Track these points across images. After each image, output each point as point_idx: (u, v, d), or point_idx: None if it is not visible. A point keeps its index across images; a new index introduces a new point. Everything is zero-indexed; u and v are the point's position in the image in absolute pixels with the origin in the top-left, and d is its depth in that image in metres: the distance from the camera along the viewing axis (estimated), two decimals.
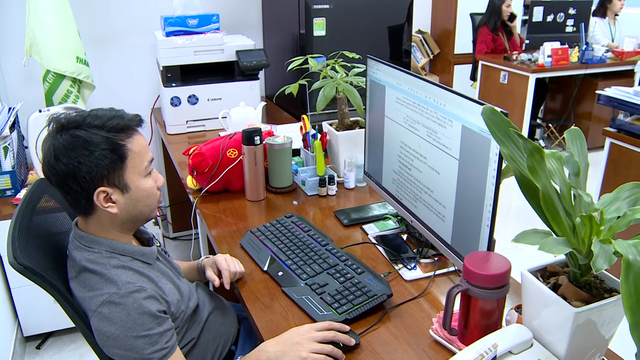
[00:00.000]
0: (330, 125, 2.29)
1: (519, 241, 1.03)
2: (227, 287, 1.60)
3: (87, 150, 1.28)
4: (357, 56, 2.29)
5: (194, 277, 1.75)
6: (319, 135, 2.25)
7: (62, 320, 2.53)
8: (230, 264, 1.63)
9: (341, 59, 2.30)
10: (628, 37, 5.40)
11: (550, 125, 5.69)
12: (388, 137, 1.80)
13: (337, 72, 2.24)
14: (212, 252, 2.17)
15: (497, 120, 1.08)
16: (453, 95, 1.39)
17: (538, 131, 5.74)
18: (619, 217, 1.14)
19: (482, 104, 1.19)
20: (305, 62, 2.29)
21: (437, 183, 1.53)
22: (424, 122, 1.54)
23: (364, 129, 2.02)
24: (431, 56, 6.75)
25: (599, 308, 1.10)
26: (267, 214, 2.05)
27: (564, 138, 4.79)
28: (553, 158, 1.11)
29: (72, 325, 1.45)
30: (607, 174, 3.19)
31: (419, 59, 6.69)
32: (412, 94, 1.59)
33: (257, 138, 2.05)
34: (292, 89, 2.29)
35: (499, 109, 1.13)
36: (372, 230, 1.88)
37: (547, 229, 1.11)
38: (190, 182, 2.21)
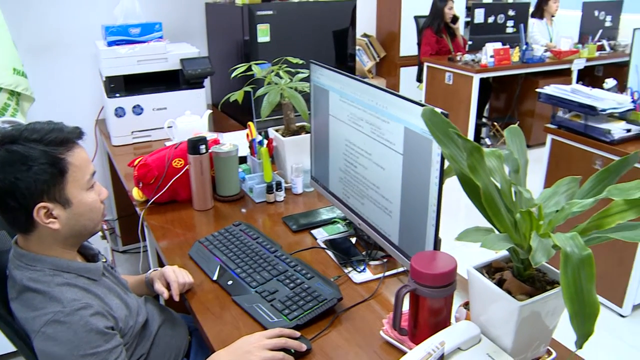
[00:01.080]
0: (277, 131, 2.29)
1: (461, 239, 1.05)
2: (176, 299, 1.58)
3: (25, 165, 1.24)
4: (301, 61, 2.30)
5: (143, 291, 1.72)
6: (265, 142, 2.25)
7: (1, 344, 2.45)
8: (178, 276, 1.61)
9: (285, 65, 2.30)
10: (564, 37, 5.57)
11: (495, 123, 5.82)
12: (333, 136, 1.80)
13: (281, 78, 2.24)
14: (161, 264, 2.14)
15: (437, 121, 1.09)
16: (395, 98, 1.41)
17: (484, 130, 5.86)
18: (557, 211, 1.17)
19: (422, 106, 1.21)
20: (250, 68, 2.29)
21: (383, 179, 1.54)
22: (368, 119, 1.56)
23: (310, 134, 2.03)
24: (377, 59, 6.81)
25: (542, 300, 1.13)
26: (215, 223, 2.03)
27: None
28: (493, 156, 1.13)
29: (12, 349, 1.40)
30: (549, 169, 3.28)
31: (365, 62, 6.75)
32: (355, 97, 1.61)
33: (202, 147, 2.03)
34: (237, 96, 2.28)
35: (439, 110, 1.15)
36: (321, 234, 1.88)
37: (490, 226, 1.13)
38: (136, 193, 2.17)
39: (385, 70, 6.90)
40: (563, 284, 0.96)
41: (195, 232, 1.96)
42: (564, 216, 1.14)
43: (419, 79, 5.70)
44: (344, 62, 3.74)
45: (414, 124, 1.33)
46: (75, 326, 1.23)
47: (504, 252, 1.23)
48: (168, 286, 1.61)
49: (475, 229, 1.07)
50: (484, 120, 6.02)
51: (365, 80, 1.57)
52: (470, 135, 4.97)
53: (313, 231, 1.91)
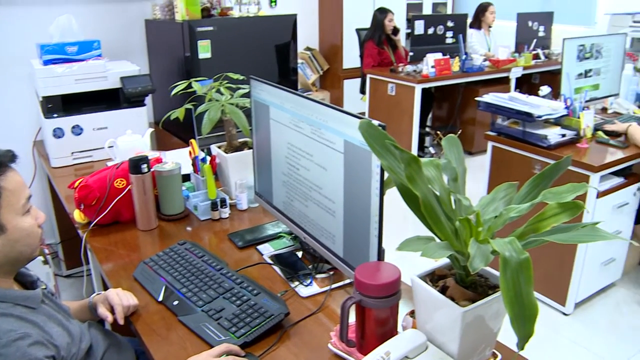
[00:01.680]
0: (219, 147, 2.28)
1: (402, 249, 1.06)
2: (121, 322, 1.54)
3: None
4: (242, 77, 2.29)
5: (86, 316, 1.67)
6: (208, 159, 2.23)
7: None
8: (122, 298, 1.57)
9: (226, 81, 2.29)
10: (502, 47, 5.73)
11: (438, 132, 5.91)
12: (275, 140, 1.80)
13: (222, 94, 2.23)
14: (106, 287, 2.09)
15: (374, 133, 1.11)
16: (333, 111, 1.42)
17: (427, 139, 5.96)
18: (496, 216, 1.19)
19: (360, 118, 1.22)
20: (190, 85, 2.27)
21: (325, 179, 1.54)
22: (308, 121, 1.56)
23: (252, 150, 2.02)
24: (321, 72, 6.87)
25: (484, 305, 1.15)
26: (160, 242, 2.00)
27: None
28: (431, 166, 1.15)
29: None
30: (491, 176, 3.35)
31: (309, 75, 6.79)
32: (295, 112, 1.61)
33: (144, 166, 2.00)
34: (178, 113, 2.25)
35: (376, 122, 1.17)
36: (267, 250, 1.88)
37: (431, 234, 1.15)
38: (78, 216, 2.12)
39: (329, 82, 6.96)
40: (503, 288, 0.98)
41: (139, 253, 1.93)
42: (502, 221, 1.17)
43: (363, 91, 5.76)
44: (287, 76, 3.76)
45: (353, 137, 1.35)
46: (12, 358, 1.19)
47: (446, 260, 1.26)
48: (112, 310, 1.57)
49: (416, 238, 1.09)
50: (427, 129, 6.12)
51: (304, 94, 1.58)
52: (414, 145, 5.05)
53: (259, 247, 1.90)
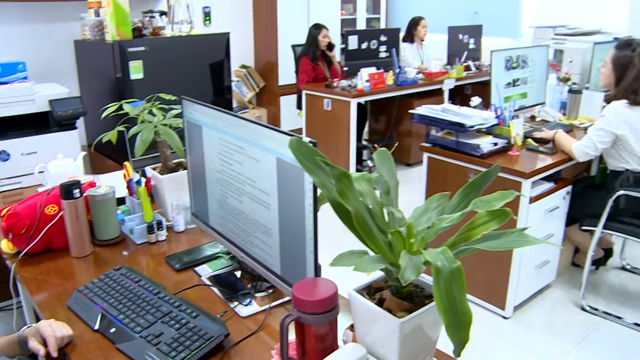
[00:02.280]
0: (154, 169, 2.24)
1: (335, 264, 1.07)
2: (54, 354, 1.49)
3: None
4: (174, 98, 2.27)
5: (16, 351, 1.59)
6: (143, 181, 2.19)
7: None
8: (55, 329, 1.52)
9: (159, 102, 2.26)
10: (434, 60, 5.86)
11: (376, 145, 5.98)
12: (209, 162, 1.78)
13: (154, 115, 2.20)
14: (38, 319, 2.02)
15: (304, 150, 1.11)
16: (265, 129, 1.42)
17: (365, 152, 6.02)
18: (429, 227, 1.22)
19: (291, 136, 1.23)
20: (122, 107, 2.23)
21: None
22: (240, 139, 1.56)
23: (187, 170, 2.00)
24: (257, 89, 6.87)
25: (421, 315, 1.17)
26: (95, 269, 1.95)
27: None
28: (363, 180, 1.17)
29: None
30: (428, 186, 3.41)
31: (245, 93, 6.78)
32: (227, 131, 1.61)
33: (76, 191, 1.95)
34: (110, 136, 2.21)
35: (306, 139, 1.17)
36: (205, 271, 1.86)
37: (365, 248, 1.16)
38: (5, 245, 2.05)
39: (266, 99, 6.97)
40: (436, 297, 1.00)
41: (74, 281, 1.87)
42: (434, 232, 1.19)
43: (299, 107, 5.79)
44: (222, 95, 3.75)
45: (285, 154, 1.35)
46: None
47: (375, 273, 1.27)
48: (45, 342, 1.51)
49: (349, 253, 1.10)
50: (364, 142, 6.19)
51: (235, 113, 1.57)
52: (352, 158, 5.09)
53: (197, 268, 1.88)
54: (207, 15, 6.36)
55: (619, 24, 5.47)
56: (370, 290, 1.27)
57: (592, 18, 5.83)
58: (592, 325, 3.18)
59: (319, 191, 1.27)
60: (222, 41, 3.73)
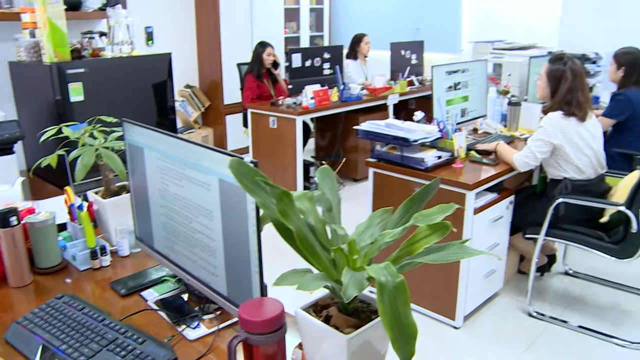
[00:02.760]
0: (96, 193, 2.20)
1: (279, 284, 1.07)
2: None
3: None
4: (115, 120, 2.24)
5: None
6: (85, 205, 2.15)
7: None
8: None
9: (100, 125, 2.23)
10: (378, 75, 5.94)
11: (323, 162, 6.01)
12: (151, 184, 1.75)
13: (96, 138, 2.16)
14: None
15: (244, 170, 1.11)
16: (206, 150, 1.42)
17: (312, 169, 6.04)
18: (372, 243, 1.23)
19: (232, 156, 1.22)
20: (61, 130, 2.19)
21: (203, 218, 1.52)
22: (182, 161, 1.55)
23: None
24: (202, 109, 6.83)
25: (368, 330, 1.17)
26: (36, 298, 1.89)
27: (338, 173, 5.06)
28: (304, 199, 1.17)
29: None
30: (375, 201, 3.44)
31: (191, 113, 6.73)
32: (169, 153, 1.59)
33: (13, 218, 1.89)
34: (50, 160, 2.16)
35: (248, 159, 1.17)
36: (152, 295, 1.82)
37: (308, 266, 1.16)
38: None
39: (212, 119, 6.94)
40: (381, 312, 1.00)
41: (13, 312, 1.81)
42: (377, 247, 1.20)
43: (245, 125, 5.77)
44: (165, 115, 3.71)
45: (227, 175, 1.34)
46: None
47: (318, 291, 1.27)
48: None
49: (293, 272, 1.10)
50: (311, 159, 6.21)
51: (176, 134, 1.56)
52: (299, 175, 5.10)
53: (143, 293, 1.84)
54: (149, 35, 6.31)
55: (551, 39, 5.68)
56: (317, 308, 1.27)
57: (527, 33, 6.03)
58: (540, 330, 3.26)
59: (261, 211, 1.27)
60: (164, 61, 3.70)
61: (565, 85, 3.20)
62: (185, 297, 1.79)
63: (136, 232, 1.99)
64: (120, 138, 2.15)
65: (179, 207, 1.62)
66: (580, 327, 3.27)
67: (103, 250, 2.05)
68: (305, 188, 5.24)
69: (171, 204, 1.67)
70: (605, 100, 4.83)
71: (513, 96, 4.34)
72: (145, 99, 3.60)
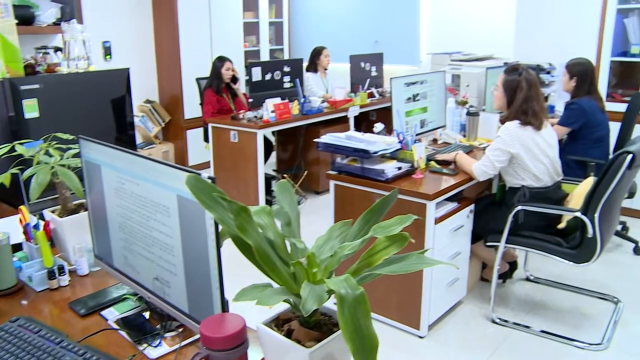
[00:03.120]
0: (53, 212, 2.16)
1: (238, 300, 1.06)
2: None
3: None
4: (71, 137, 2.20)
5: None
6: (42, 225, 2.10)
7: None
8: None
9: (56, 142, 2.19)
10: (338, 88, 5.98)
11: (285, 175, 6.01)
12: (109, 202, 1.73)
13: (51, 156, 2.12)
14: None
15: (201, 186, 1.11)
16: (164, 167, 1.40)
17: (273, 182, 6.03)
18: (332, 255, 1.23)
19: (189, 172, 1.21)
20: (15, 148, 2.14)
21: (163, 236, 1.50)
22: (140, 178, 1.53)
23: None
24: (162, 124, 6.77)
25: (329, 343, 1.17)
26: None
27: (300, 186, 5.06)
28: (262, 213, 1.17)
29: None
30: (336, 213, 3.45)
31: (151, 128, 6.67)
32: (127, 170, 1.57)
33: None
34: (2, 179, 2.11)
35: (205, 175, 1.17)
36: (112, 314, 1.79)
37: (269, 281, 1.15)
38: None
39: (172, 134, 6.89)
40: (342, 324, 1.01)
41: None
42: (337, 260, 1.21)
43: (206, 140, 5.74)
44: (124, 131, 3.66)
45: (186, 191, 1.33)
46: None
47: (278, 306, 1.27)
48: None
49: (252, 287, 1.09)
50: (273, 173, 6.21)
51: (133, 151, 1.54)
52: (261, 189, 5.09)
53: (103, 312, 1.81)
54: (107, 50, 6.24)
55: (507, 50, 5.80)
56: (278, 322, 1.27)
57: (484, 45, 6.15)
58: (503, 336, 3.30)
59: (220, 226, 1.26)
60: (122, 76, 3.66)
61: (521, 95, 3.27)
62: (147, 315, 1.76)
63: (95, 250, 1.95)
64: (77, 155, 2.12)
65: (138, 224, 1.60)
66: (543, 331, 3.32)
67: (61, 269, 2.01)
68: (267, 202, 5.23)
69: (129, 221, 1.65)
70: (560, 109, 4.95)
71: (471, 106, 4.41)
72: (103, 115, 3.55)
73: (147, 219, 1.55)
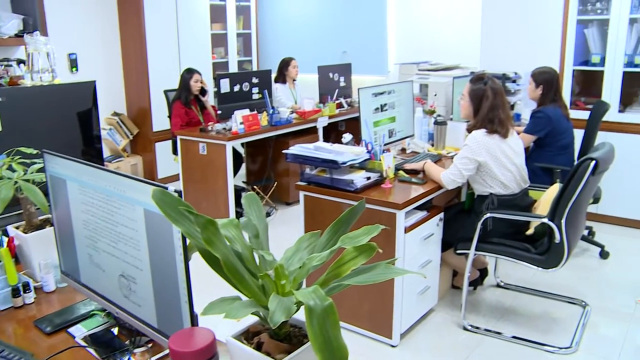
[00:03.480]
0: (17, 228, 2.12)
1: (206, 313, 1.05)
2: None
3: None
4: (35, 151, 2.17)
5: None
6: (5, 241, 2.06)
7: None
8: None
9: (19, 156, 2.15)
10: (307, 99, 5.97)
11: (255, 187, 5.99)
12: (76, 217, 1.71)
13: (15, 170, 2.09)
14: None
15: (168, 200, 1.10)
16: (130, 181, 1.39)
17: (243, 194, 6.00)
18: (300, 267, 1.23)
19: (156, 186, 1.21)
20: None
21: (130, 250, 1.48)
22: (106, 192, 1.51)
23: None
24: (130, 137, 6.71)
25: (299, 355, 1.17)
26: None
27: (270, 197, 5.05)
28: (230, 226, 1.17)
29: None
30: (306, 225, 3.44)
31: (119, 141, 6.60)
32: (93, 184, 1.55)
33: None
34: None
35: (172, 189, 1.16)
36: (80, 331, 1.76)
37: (237, 294, 1.15)
38: None
39: (141, 147, 6.82)
40: (311, 336, 1.00)
41: None
42: (306, 271, 1.21)
43: (175, 152, 5.70)
44: (91, 145, 3.62)
45: (153, 205, 1.32)
46: None
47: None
48: None
49: (220, 300, 1.09)
50: (242, 184, 6.18)
51: (99, 165, 1.53)
52: (231, 201, 5.06)
53: (70, 329, 1.78)
54: (73, 62, 6.17)
55: (473, 59, 5.88)
56: (248, 335, 1.26)
57: (451, 54, 6.22)
58: (475, 343, 3.32)
59: (188, 240, 1.25)
60: (89, 89, 3.61)
61: (487, 104, 3.31)
62: (115, 331, 1.74)
63: (62, 266, 1.92)
64: (42, 170, 2.09)
65: (105, 239, 1.58)
66: (514, 337, 3.35)
67: (26, 286, 1.97)
68: (238, 214, 5.20)
69: (97, 236, 1.63)
70: (526, 117, 5.03)
71: (439, 115, 4.45)
72: (69, 128, 3.50)
73: (114, 233, 1.53)
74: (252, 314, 1.16)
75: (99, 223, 1.59)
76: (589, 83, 5.48)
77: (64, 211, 1.76)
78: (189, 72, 5.62)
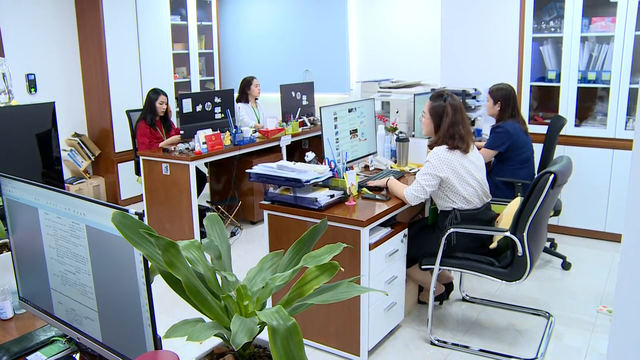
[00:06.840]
0: None
1: (169, 337, 1.04)
2: None
3: None
4: None
5: None
6: None
7: None
8: None
9: None
10: (269, 118, 5.98)
11: (219, 207, 5.95)
12: (34, 241, 1.68)
13: None
14: None
15: (128, 223, 1.09)
16: (90, 203, 1.37)
17: (208, 214, 5.95)
18: (264, 287, 1.23)
19: (115, 209, 1.19)
20: None
21: (91, 274, 1.46)
22: (66, 215, 1.49)
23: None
24: (92, 158, 6.61)
25: None
26: None
27: (234, 216, 5.02)
28: (192, 248, 1.16)
29: None
30: (271, 244, 3.42)
31: (80, 162, 6.50)
32: (52, 207, 1.53)
33: None
34: None
35: (132, 211, 1.15)
36: (39, 359, 1.72)
37: (201, 316, 1.14)
38: None
39: (103, 168, 6.74)
40: (275, 356, 1.00)
41: None
42: (269, 291, 1.20)
43: (138, 173, 5.64)
44: (51, 167, 3.56)
45: (113, 227, 1.30)
46: None
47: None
48: None
49: (183, 322, 1.08)
50: (207, 204, 6.13)
51: (57, 188, 1.50)
52: (195, 221, 5.02)
53: (29, 357, 1.74)
54: (31, 83, 6.07)
55: (434, 76, 5.98)
56: (213, 357, 1.25)
57: (411, 71, 6.32)
58: (443, 357, 3.34)
59: (150, 262, 1.24)
60: (47, 110, 3.56)
61: (447, 120, 3.36)
62: (77, 357, 1.70)
63: (20, 292, 1.88)
64: None
65: (65, 264, 1.56)
66: (481, 350, 3.38)
67: None
68: (202, 234, 5.15)
69: (56, 259, 1.60)
70: (486, 132, 5.12)
71: (401, 132, 4.49)
72: (27, 150, 3.44)
73: (74, 255, 1.50)
74: (216, 335, 1.15)
75: (59, 246, 1.56)
76: (546, 98, 5.62)
77: (22, 236, 1.72)
78: (156, 93, 5.59)
